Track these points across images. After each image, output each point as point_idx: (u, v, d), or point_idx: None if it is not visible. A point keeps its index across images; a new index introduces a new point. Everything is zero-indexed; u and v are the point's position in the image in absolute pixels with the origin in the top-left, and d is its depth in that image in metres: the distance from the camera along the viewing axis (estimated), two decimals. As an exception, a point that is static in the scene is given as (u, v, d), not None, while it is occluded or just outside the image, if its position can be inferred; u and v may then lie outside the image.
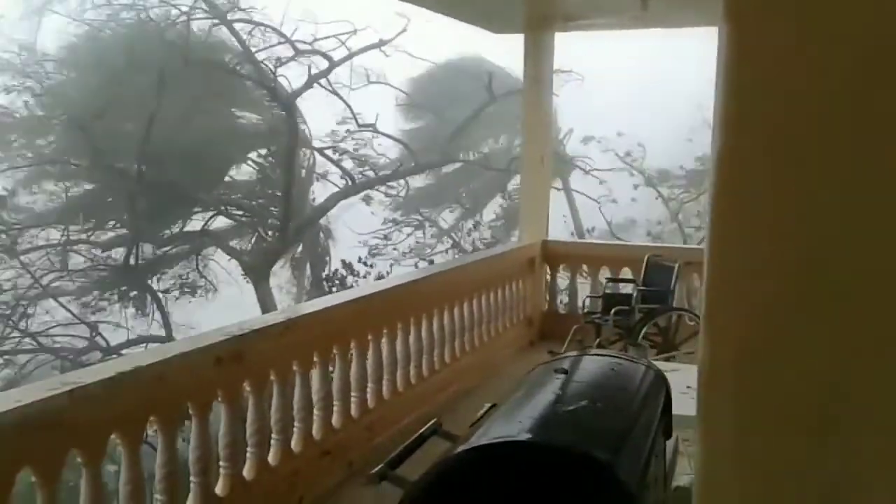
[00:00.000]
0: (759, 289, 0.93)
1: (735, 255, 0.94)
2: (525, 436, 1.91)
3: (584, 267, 8.56)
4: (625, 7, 7.28)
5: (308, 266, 17.56)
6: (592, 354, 2.72)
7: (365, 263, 16.01)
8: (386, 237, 18.10)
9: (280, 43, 16.44)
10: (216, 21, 16.04)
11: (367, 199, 17.95)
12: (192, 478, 3.90)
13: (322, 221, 17.60)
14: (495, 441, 1.90)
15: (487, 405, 5.21)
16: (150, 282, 15.88)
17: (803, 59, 0.91)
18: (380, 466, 2.18)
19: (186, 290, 16.16)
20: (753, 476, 0.93)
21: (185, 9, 15.80)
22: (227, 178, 16.90)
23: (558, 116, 16.05)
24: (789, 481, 0.93)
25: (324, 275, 16.82)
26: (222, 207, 16.69)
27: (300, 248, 17.38)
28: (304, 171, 17.27)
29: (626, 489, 1.76)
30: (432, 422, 2.48)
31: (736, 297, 0.94)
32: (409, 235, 18.66)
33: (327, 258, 17.51)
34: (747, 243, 0.94)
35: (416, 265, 16.11)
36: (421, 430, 2.42)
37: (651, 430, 2.17)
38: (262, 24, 16.37)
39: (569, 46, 9.89)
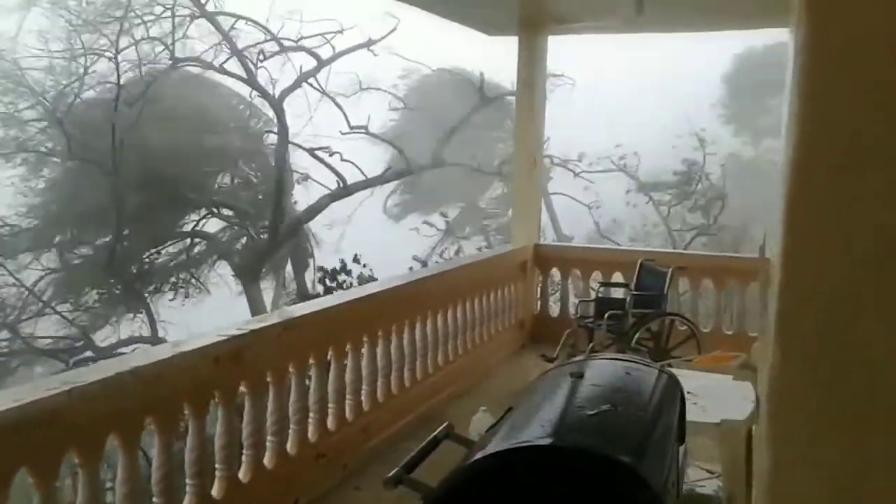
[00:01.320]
0: (831, 294, 0.91)
1: (809, 262, 0.92)
2: (548, 440, 1.88)
3: (577, 271, 8.57)
4: (619, 10, 7.28)
5: (295, 268, 17.45)
6: (604, 358, 2.70)
7: (358, 261, 15.93)
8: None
9: (267, 41, 16.32)
10: (198, 14, 15.89)
11: (360, 201, 17.89)
12: (187, 480, 3.85)
13: (312, 224, 17.53)
14: (519, 445, 1.87)
15: (483, 408, 5.23)
16: (139, 284, 15.71)
17: (883, 67, 0.89)
18: (395, 470, 2.15)
19: (181, 291, 16.02)
20: (828, 482, 0.91)
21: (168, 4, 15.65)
22: (215, 179, 16.77)
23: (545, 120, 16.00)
24: (865, 485, 0.91)
25: (315, 277, 16.75)
26: (213, 209, 16.58)
27: (288, 251, 17.27)
28: (294, 174, 17.18)
29: (652, 493, 1.74)
30: (444, 425, 2.45)
31: (809, 303, 0.92)
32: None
33: (310, 260, 17.41)
34: (822, 251, 0.92)
35: (410, 268, 16.04)
36: (434, 434, 2.39)
37: (670, 435, 2.15)
38: (245, 19, 16.22)
39: (560, 50, 9.92)
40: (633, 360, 2.60)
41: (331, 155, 17.14)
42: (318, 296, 14.42)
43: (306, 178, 17.42)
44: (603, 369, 2.43)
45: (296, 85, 16.47)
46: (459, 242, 19.10)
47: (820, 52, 0.87)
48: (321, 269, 15.78)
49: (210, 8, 15.86)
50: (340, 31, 16.10)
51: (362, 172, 17.46)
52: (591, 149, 18.59)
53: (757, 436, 3.03)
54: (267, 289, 16.66)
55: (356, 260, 15.16)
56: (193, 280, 16.40)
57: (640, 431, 2.00)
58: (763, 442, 0.98)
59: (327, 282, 14.78)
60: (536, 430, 1.93)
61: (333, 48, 16.37)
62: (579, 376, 2.28)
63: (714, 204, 18.56)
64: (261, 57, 16.15)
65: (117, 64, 15.12)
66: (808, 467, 0.91)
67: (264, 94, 15.84)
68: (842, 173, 0.91)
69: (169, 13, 15.69)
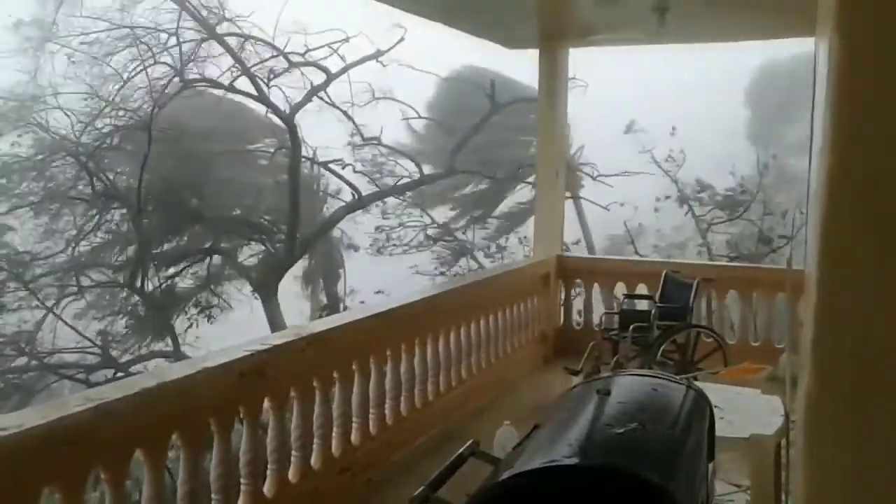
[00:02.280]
0: (868, 317, 0.88)
1: (845, 284, 0.89)
2: (575, 459, 1.86)
3: (600, 283, 8.52)
4: (640, 22, 7.26)
5: (320, 281, 17.51)
6: (630, 374, 2.66)
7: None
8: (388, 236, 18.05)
9: (273, 56, 16.38)
10: (205, 36, 16.01)
11: (373, 212, 17.92)
12: (213, 495, 3.85)
13: (335, 234, 17.60)
14: (546, 465, 1.85)
15: (507, 422, 5.19)
16: (162, 305, 15.82)
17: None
18: (421, 489, 2.13)
19: (204, 312, 16.12)
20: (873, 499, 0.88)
21: (172, 29, 15.76)
22: (231, 195, 16.85)
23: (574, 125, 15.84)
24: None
25: (336, 290, 16.84)
26: (229, 224, 16.67)
27: (309, 263, 17.33)
28: (314, 186, 17.25)
29: (682, 514, 1.71)
30: (469, 442, 2.43)
31: (845, 326, 0.90)
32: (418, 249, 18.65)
33: (341, 272, 17.45)
34: (861, 268, 0.90)
35: (433, 279, 16.04)
36: (460, 451, 2.37)
37: (700, 453, 2.12)
38: (252, 38, 16.31)
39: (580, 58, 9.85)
40: (660, 376, 2.57)
41: (343, 168, 17.17)
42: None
43: (338, 191, 17.47)
44: (630, 386, 2.40)
45: (307, 99, 16.49)
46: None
47: (857, 67, 0.85)
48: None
49: (220, 30, 15.98)
50: (346, 40, 16.11)
51: (376, 184, 17.45)
52: (640, 141, 18.03)
53: (793, 458, 2.98)
54: (288, 303, 16.69)
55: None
56: (215, 297, 16.48)
57: (669, 450, 1.97)
58: (800, 465, 0.95)
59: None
60: (564, 449, 1.91)
61: (342, 57, 16.37)
62: (606, 393, 2.25)
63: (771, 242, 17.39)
64: (270, 75, 16.22)
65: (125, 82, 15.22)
66: (846, 491, 0.89)
67: (276, 110, 15.92)
68: (884, 188, 0.89)
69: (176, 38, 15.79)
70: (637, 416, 2.09)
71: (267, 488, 4.23)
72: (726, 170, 17.87)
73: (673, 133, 17.86)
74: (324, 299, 17.34)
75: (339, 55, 16.21)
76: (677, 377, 2.67)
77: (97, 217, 15.73)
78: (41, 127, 15.50)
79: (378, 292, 15.90)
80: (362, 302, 16.00)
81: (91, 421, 3.16)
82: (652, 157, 17.88)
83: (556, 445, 1.94)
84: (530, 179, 16.23)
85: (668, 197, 18.29)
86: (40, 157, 15.51)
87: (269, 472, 4.27)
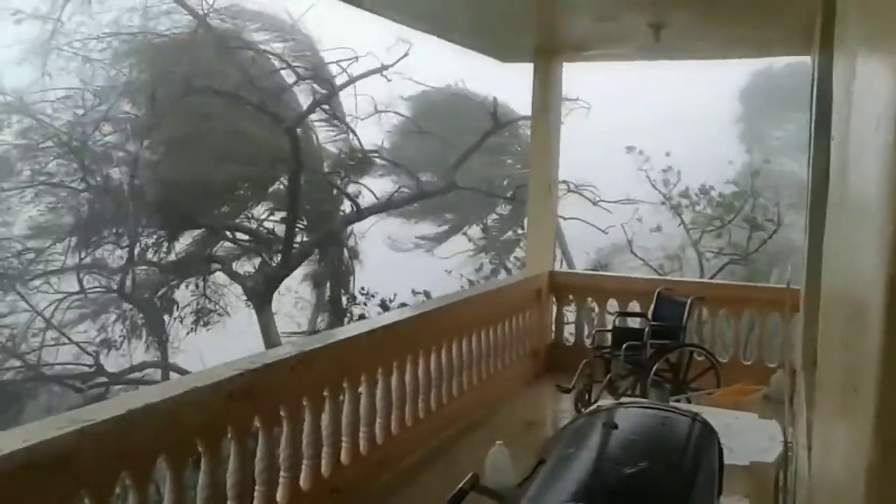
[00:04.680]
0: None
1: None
2: (586, 502, 1.78)
3: (592, 299, 8.47)
4: (635, 38, 7.24)
5: (332, 291, 17.39)
6: (635, 405, 2.59)
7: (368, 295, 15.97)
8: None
9: (282, 69, 16.38)
10: (217, 46, 15.94)
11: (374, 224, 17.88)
12: (201, 518, 3.75)
13: (348, 243, 17.53)
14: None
15: (499, 442, 5.11)
16: (156, 310, 15.68)
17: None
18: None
19: (199, 319, 15.99)
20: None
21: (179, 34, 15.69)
22: (232, 204, 16.76)
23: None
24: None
25: (341, 296, 16.76)
26: (228, 233, 16.56)
27: (312, 271, 17.22)
28: (312, 197, 17.13)
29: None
30: (470, 476, 2.34)
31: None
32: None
33: (351, 279, 17.34)
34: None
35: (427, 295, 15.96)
36: (460, 485, 2.28)
37: (712, 491, 2.05)
38: (264, 52, 16.30)
39: (576, 75, 9.87)
40: (667, 409, 2.50)
41: (342, 179, 17.10)
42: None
43: (339, 203, 17.40)
44: (636, 419, 2.33)
45: (309, 111, 16.46)
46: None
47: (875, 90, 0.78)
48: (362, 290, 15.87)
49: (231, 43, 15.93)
50: (356, 59, 16.13)
51: (375, 196, 17.39)
52: (610, 174, 18.32)
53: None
54: (281, 313, 16.58)
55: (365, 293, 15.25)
56: (209, 305, 16.34)
57: (679, 491, 1.89)
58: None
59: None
60: (572, 491, 1.83)
61: (350, 76, 16.40)
62: (613, 426, 2.18)
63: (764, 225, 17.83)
64: (279, 90, 16.19)
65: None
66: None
67: (278, 120, 15.84)
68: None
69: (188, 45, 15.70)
70: (646, 454, 2.01)
71: (255, 510, 4.12)
72: (718, 177, 18.18)
73: (668, 154, 18.20)
74: (318, 311, 17.23)
75: (347, 73, 16.21)
76: (684, 409, 2.61)
77: (91, 220, 15.55)
78: (40, 124, 15.34)
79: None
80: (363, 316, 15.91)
81: (75, 443, 3.05)
82: (647, 176, 18.20)
83: (564, 486, 1.86)
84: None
85: (663, 203, 18.58)
86: (33, 154, 15.33)
87: (256, 493, 4.16)
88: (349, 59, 15.96)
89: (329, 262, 17.06)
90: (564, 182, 15.78)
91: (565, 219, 16.93)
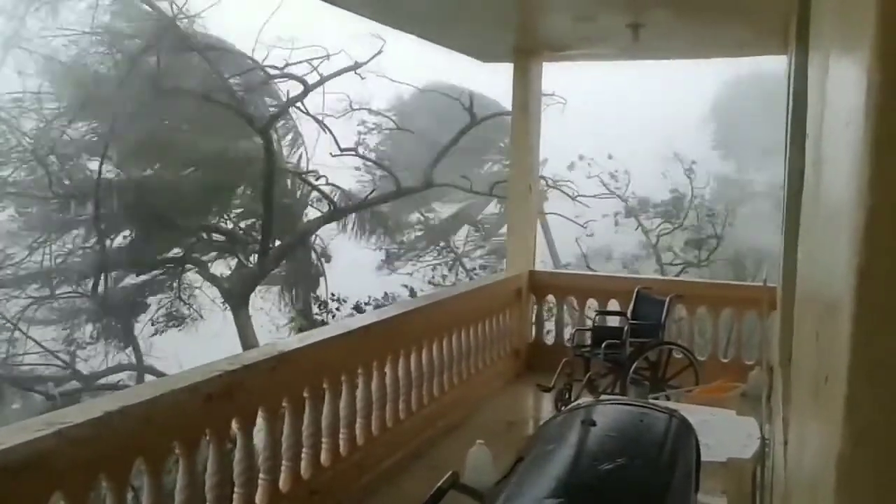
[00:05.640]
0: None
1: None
2: (562, 500, 1.78)
3: (572, 298, 8.49)
4: (614, 38, 7.27)
5: (293, 292, 17.33)
6: (613, 402, 2.60)
7: (338, 300, 15.95)
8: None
9: (251, 69, 16.26)
10: (187, 47, 15.81)
11: (348, 225, 17.85)
12: (179, 520, 3.72)
13: (315, 244, 17.45)
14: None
15: (480, 441, 5.11)
16: (128, 313, 15.54)
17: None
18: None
19: (172, 321, 15.88)
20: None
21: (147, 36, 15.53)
22: (206, 205, 16.63)
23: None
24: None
25: (315, 301, 16.69)
26: (202, 236, 16.44)
27: (283, 274, 17.14)
28: (286, 198, 17.07)
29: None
30: (449, 474, 2.34)
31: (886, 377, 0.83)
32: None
33: (321, 280, 17.29)
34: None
35: (411, 293, 15.95)
36: (439, 484, 2.28)
37: (688, 488, 2.06)
38: (234, 52, 16.18)
39: (552, 71, 9.89)
40: (645, 405, 2.51)
41: (317, 179, 17.05)
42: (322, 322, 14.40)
43: (314, 203, 17.34)
44: (615, 416, 2.33)
45: (283, 110, 16.38)
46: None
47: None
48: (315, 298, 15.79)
49: (198, 39, 15.79)
50: (327, 57, 16.05)
51: (348, 196, 17.36)
52: (585, 169, 18.55)
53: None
54: (259, 314, 16.50)
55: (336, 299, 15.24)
56: (184, 307, 16.24)
57: (657, 487, 1.90)
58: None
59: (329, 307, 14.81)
60: (550, 487, 1.83)
61: (321, 75, 16.31)
62: (591, 424, 2.18)
63: (707, 241, 18.24)
64: (247, 86, 16.07)
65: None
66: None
67: (251, 121, 15.75)
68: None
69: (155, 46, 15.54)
70: (624, 450, 2.02)
71: (234, 512, 4.10)
72: (666, 184, 18.47)
73: (611, 157, 18.59)
74: (292, 312, 17.14)
75: (318, 72, 16.11)
76: (661, 406, 2.62)
77: (62, 223, 15.42)
78: (8, 127, 15.17)
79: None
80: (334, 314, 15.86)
81: (53, 446, 3.02)
82: (600, 180, 18.52)
83: (541, 483, 1.86)
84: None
85: (617, 213, 18.86)
86: (2, 159, 15.18)
87: (235, 495, 4.14)
88: (320, 58, 15.90)
89: (299, 264, 17.00)
90: (542, 177, 15.89)
91: (545, 214, 17.04)
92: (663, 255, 18.75)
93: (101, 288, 15.13)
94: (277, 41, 15.95)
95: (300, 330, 14.64)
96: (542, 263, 18.01)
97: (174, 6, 15.49)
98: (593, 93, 17.11)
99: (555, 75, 11.10)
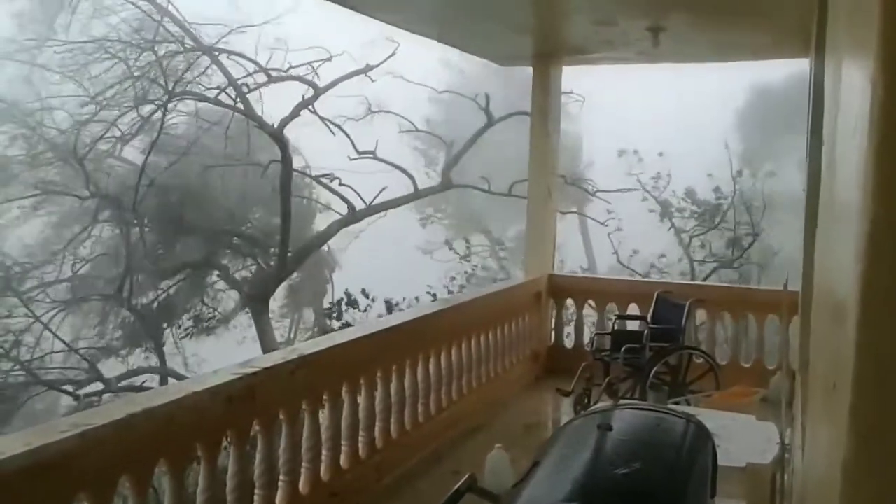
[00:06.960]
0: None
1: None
2: (580, 503, 1.80)
3: (592, 302, 8.48)
4: (634, 42, 7.26)
5: (310, 296, 17.42)
6: (631, 407, 2.61)
7: (366, 296, 15.90)
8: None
9: (255, 72, 16.31)
10: (196, 53, 15.94)
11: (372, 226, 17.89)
12: (200, 522, 3.77)
13: (325, 249, 17.49)
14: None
15: (498, 446, 5.13)
16: (152, 317, 15.69)
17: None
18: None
19: (200, 325, 16.00)
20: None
21: (166, 47, 15.68)
22: (224, 212, 16.75)
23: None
24: None
25: (325, 306, 16.72)
26: (222, 240, 16.56)
27: (299, 279, 17.23)
28: (304, 200, 17.15)
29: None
30: (466, 476, 2.36)
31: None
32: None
33: (328, 287, 17.35)
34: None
35: (434, 296, 15.92)
36: (456, 486, 2.30)
37: (705, 492, 2.07)
38: (235, 54, 16.22)
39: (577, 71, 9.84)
40: (662, 410, 2.51)
41: (332, 181, 17.10)
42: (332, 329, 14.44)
43: (331, 205, 17.40)
44: (631, 421, 2.35)
45: (295, 114, 16.41)
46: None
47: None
48: (330, 304, 15.84)
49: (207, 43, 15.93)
50: (329, 59, 16.10)
51: (362, 199, 17.38)
52: (609, 169, 18.38)
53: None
54: (282, 318, 16.60)
55: (365, 294, 15.21)
56: (205, 310, 16.37)
57: (672, 492, 1.91)
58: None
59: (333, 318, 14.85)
60: (566, 491, 1.85)
61: (317, 76, 16.34)
62: (607, 428, 2.19)
63: (744, 238, 17.95)
64: (254, 87, 16.17)
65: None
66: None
67: (263, 125, 15.85)
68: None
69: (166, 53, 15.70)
70: (640, 455, 2.03)
71: (255, 514, 4.14)
72: (709, 184, 18.28)
73: (661, 154, 18.26)
74: (312, 314, 17.23)
75: (317, 74, 16.17)
76: (678, 411, 2.62)
77: (90, 227, 15.61)
78: (34, 131, 15.39)
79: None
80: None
81: (77, 447, 3.08)
82: (638, 179, 18.32)
83: (558, 487, 1.88)
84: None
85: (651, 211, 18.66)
86: (31, 161, 15.38)
87: (256, 497, 4.18)
88: (321, 61, 15.95)
89: (314, 267, 17.06)
90: (561, 176, 15.83)
91: (563, 213, 16.96)
92: (695, 253, 18.47)
93: (125, 291, 15.27)
94: (294, 46, 16.05)
95: (322, 332, 14.73)
96: (579, 267, 18.05)
97: (191, 13, 15.65)
98: (612, 96, 17.07)
99: (593, 75, 10.97)
